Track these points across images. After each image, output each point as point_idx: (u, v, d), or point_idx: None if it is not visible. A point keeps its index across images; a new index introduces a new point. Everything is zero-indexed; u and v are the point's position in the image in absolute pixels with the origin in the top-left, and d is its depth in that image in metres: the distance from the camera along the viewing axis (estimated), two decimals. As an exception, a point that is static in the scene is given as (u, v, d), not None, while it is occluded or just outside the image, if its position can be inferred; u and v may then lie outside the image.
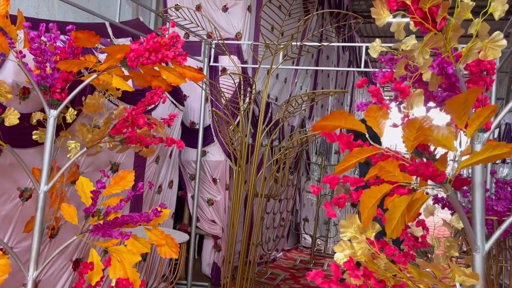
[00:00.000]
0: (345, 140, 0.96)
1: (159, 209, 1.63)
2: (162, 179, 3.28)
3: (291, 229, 5.91)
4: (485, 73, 1.04)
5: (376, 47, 1.52)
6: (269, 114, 4.20)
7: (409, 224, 1.17)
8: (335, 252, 1.04)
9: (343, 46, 7.50)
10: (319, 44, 2.90)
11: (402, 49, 1.48)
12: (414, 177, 1.04)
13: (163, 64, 1.49)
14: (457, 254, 1.52)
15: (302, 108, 3.03)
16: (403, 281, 1.01)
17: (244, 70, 3.57)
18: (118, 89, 1.69)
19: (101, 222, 1.59)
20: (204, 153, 3.79)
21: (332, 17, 5.63)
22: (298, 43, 2.89)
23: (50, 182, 1.56)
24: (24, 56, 1.48)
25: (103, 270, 1.57)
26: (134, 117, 1.51)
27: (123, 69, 1.54)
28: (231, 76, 2.89)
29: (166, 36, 1.48)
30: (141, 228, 1.67)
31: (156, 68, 1.54)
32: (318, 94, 2.83)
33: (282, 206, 5.12)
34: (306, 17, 2.58)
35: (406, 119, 1.00)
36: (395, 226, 1.01)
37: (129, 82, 1.53)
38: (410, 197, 1.02)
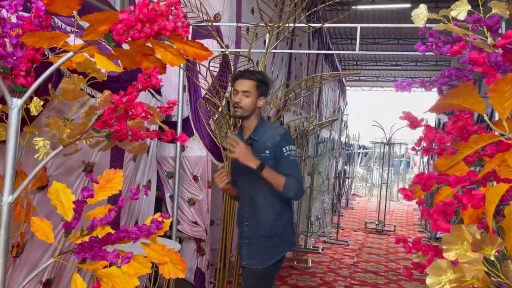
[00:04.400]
0: (461, 126, 0.69)
1: (159, 219, 1.31)
2: (139, 179, 2.91)
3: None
4: None
5: (421, 14, 1.28)
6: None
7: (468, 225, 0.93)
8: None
9: (313, 34, 7.32)
10: (319, 24, 2.65)
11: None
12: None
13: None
14: None
15: (305, 94, 2.76)
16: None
17: (225, 56, 3.23)
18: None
19: (86, 239, 1.24)
20: (182, 148, 3.43)
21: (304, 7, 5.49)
22: (292, 25, 2.60)
23: (16, 190, 1.21)
24: (-26, 29, 1.12)
25: (91, 300, 1.24)
26: (128, 104, 1.18)
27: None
28: (228, 57, 2.56)
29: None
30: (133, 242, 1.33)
31: (148, 44, 1.22)
32: (326, 75, 2.56)
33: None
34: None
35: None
36: (515, 238, 0.76)
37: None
38: (530, 198, 0.77)
